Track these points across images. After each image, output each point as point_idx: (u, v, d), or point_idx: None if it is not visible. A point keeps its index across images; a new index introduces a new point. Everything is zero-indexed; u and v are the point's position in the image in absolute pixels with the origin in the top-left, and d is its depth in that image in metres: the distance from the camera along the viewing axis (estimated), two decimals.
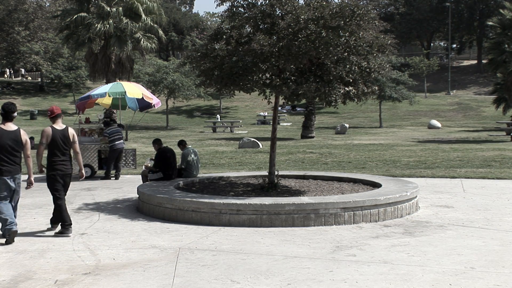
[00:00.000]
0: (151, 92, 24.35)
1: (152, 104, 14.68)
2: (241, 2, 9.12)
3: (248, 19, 8.82)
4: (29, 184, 7.31)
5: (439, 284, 5.27)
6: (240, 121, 41.42)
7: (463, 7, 67.93)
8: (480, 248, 6.59)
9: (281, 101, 10.13)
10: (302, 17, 8.18)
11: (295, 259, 6.18)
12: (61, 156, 7.60)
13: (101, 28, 25.90)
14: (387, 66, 9.09)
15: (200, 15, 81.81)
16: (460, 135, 30.53)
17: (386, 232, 7.51)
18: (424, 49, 68.48)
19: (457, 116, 45.69)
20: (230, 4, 9.13)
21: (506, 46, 27.77)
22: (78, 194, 11.22)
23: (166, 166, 10.77)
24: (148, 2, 27.38)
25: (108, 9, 26.40)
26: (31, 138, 8.06)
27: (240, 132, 36.24)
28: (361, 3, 15.40)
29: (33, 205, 9.85)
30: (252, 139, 23.97)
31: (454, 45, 75.14)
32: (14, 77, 60.24)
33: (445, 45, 75.56)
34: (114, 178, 13.76)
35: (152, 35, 28.55)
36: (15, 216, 7.19)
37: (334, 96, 8.53)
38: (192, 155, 11.16)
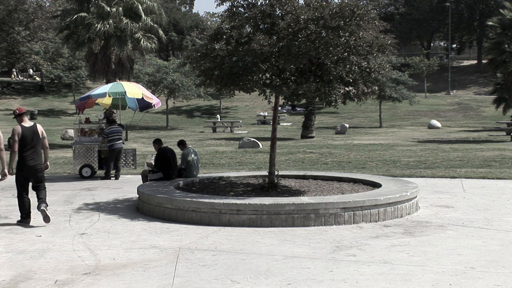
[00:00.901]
0: (151, 92, 24.37)
1: (152, 104, 14.70)
2: (241, 2, 9.12)
3: (248, 19, 8.82)
4: (3, 176, 7.68)
5: (439, 284, 5.27)
6: (240, 121, 41.44)
7: (463, 7, 67.96)
8: (480, 248, 6.59)
9: (281, 101, 10.11)
10: (302, 17, 8.18)
11: (295, 259, 6.18)
12: (31, 151, 8.00)
13: (101, 28, 25.87)
14: (387, 66, 9.09)
15: (200, 15, 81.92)
16: (460, 135, 30.54)
17: (386, 232, 7.51)
18: (424, 49, 68.52)
19: (457, 116, 45.69)
20: (230, 4, 9.13)
21: (506, 46, 27.79)
22: (78, 194, 11.23)
23: (166, 166, 10.78)
24: (148, 2, 27.34)
25: (108, 9, 26.36)
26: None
27: (240, 132, 36.24)
28: (361, 3, 15.41)
29: (33, 205, 9.82)
30: (252, 139, 23.98)
31: (454, 45, 75.14)
32: (21, 77, 60.18)
33: (445, 45, 75.57)
34: (114, 178, 13.77)
35: (152, 35, 28.51)
36: None
37: (334, 96, 8.53)
38: (192, 155, 11.16)
